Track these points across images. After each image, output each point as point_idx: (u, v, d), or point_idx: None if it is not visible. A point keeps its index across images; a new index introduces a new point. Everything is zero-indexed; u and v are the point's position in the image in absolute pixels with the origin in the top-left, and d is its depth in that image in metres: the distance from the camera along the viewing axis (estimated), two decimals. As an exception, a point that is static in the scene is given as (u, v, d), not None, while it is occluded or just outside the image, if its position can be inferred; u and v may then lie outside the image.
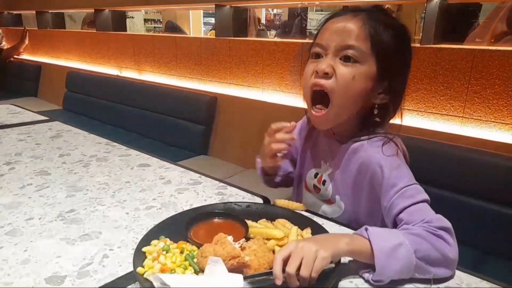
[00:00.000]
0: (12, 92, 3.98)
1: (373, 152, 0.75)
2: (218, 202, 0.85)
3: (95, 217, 0.79)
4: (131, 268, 0.60)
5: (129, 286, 0.58)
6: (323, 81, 0.73)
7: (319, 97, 0.75)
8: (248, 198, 0.90)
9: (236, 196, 0.91)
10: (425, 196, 0.70)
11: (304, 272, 0.54)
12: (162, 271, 0.57)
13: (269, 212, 0.77)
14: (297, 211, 0.79)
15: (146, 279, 0.56)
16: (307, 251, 0.56)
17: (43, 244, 0.69)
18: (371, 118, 0.78)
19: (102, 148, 1.23)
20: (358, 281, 0.60)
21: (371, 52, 0.72)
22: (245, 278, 0.55)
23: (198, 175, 1.03)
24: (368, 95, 0.75)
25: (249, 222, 0.71)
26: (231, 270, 0.56)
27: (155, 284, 0.53)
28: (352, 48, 0.71)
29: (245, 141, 2.18)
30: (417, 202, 0.68)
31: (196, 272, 0.58)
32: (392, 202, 0.70)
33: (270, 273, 0.56)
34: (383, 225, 0.74)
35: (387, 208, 0.71)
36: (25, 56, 4.35)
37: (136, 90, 2.78)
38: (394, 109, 0.77)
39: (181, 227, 0.68)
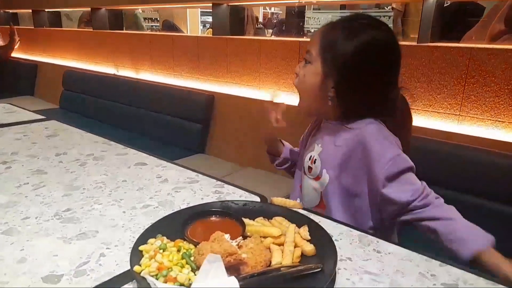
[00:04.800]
0: (9, 91, 3.96)
1: (361, 126, 0.85)
2: (215, 200, 0.85)
3: (91, 216, 0.79)
4: (128, 267, 0.60)
5: (126, 285, 0.58)
6: (294, 80, 0.92)
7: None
8: (245, 196, 0.90)
9: (233, 194, 0.91)
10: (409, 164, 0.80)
11: None
12: (159, 269, 0.57)
13: (266, 210, 0.77)
14: (294, 209, 0.79)
15: (143, 278, 0.56)
16: None
17: (39, 243, 0.69)
18: (340, 109, 0.87)
19: (99, 147, 1.23)
20: (355, 279, 0.61)
21: (319, 54, 0.85)
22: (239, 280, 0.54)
23: (195, 173, 1.03)
24: (321, 88, 0.86)
25: (246, 221, 0.71)
26: (228, 267, 0.56)
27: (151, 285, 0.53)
28: (308, 52, 0.88)
29: (242, 139, 2.18)
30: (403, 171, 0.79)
31: (193, 270, 0.58)
32: (379, 173, 0.79)
33: (265, 273, 0.56)
34: (369, 188, 0.83)
35: (377, 176, 0.80)
36: (21, 55, 4.32)
37: (133, 89, 2.78)
38: (349, 104, 0.85)
39: (178, 225, 0.68)
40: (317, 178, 0.92)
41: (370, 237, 0.72)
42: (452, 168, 1.34)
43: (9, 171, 1.01)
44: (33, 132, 1.38)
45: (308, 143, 1.00)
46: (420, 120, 1.57)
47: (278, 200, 0.81)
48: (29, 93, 4.02)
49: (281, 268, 0.59)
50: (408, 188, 0.78)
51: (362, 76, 0.83)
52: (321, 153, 0.92)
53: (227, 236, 0.62)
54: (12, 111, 1.72)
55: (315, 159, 0.92)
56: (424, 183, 0.80)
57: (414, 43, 1.59)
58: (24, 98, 3.79)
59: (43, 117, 1.60)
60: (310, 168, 0.94)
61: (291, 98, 1.98)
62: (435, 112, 1.53)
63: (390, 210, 0.81)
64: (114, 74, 3.14)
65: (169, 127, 2.48)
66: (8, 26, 4.15)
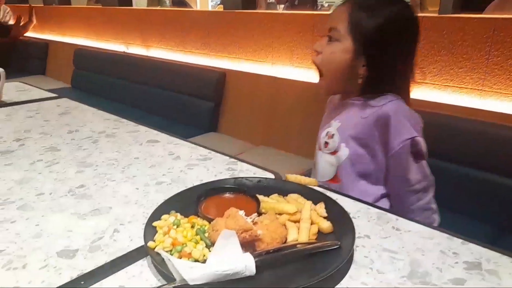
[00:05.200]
0: (20, 70, 3.98)
1: (383, 102, 0.85)
2: (229, 177, 0.84)
3: (105, 193, 0.78)
4: (142, 243, 0.59)
5: (140, 261, 0.58)
6: (315, 58, 0.91)
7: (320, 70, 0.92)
8: (259, 173, 0.88)
9: (247, 171, 0.89)
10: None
11: None
12: (173, 245, 0.56)
13: (280, 187, 0.75)
14: (310, 186, 0.77)
15: (157, 253, 0.55)
16: None
17: (54, 219, 0.69)
18: (368, 86, 0.88)
19: (111, 124, 1.22)
20: (374, 256, 0.59)
21: (349, 32, 0.85)
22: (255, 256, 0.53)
23: (208, 151, 1.01)
24: (351, 66, 0.86)
25: (260, 197, 0.69)
26: (244, 243, 0.55)
27: (168, 263, 0.52)
28: (333, 30, 0.87)
29: (255, 117, 2.15)
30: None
31: (208, 246, 0.57)
32: (391, 149, 0.84)
33: (281, 249, 0.55)
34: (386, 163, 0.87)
35: (390, 152, 0.84)
36: (32, 34, 4.31)
37: (143, 66, 2.75)
38: (379, 80, 0.86)
39: (192, 202, 0.67)
40: (334, 152, 0.92)
41: (389, 214, 0.70)
42: (473, 146, 1.30)
43: (23, 148, 1.01)
44: (46, 110, 1.38)
45: (324, 121, 1.01)
46: (440, 95, 1.51)
47: (293, 177, 0.79)
48: (40, 72, 4.03)
49: (297, 245, 0.57)
50: (412, 177, 0.84)
51: (393, 53, 0.85)
52: (340, 128, 0.92)
53: (241, 213, 0.60)
54: (24, 89, 1.72)
55: (333, 134, 0.93)
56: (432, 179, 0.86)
57: (435, 15, 1.51)
58: (36, 78, 3.80)
59: (55, 95, 1.60)
60: (326, 143, 0.94)
61: (306, 75, 1.93)
62: (456, 87, 1.47)
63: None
64: (124, 52, 3.11)
65: (180, 105, 2.47)
66: (24, 5, 4.13)
